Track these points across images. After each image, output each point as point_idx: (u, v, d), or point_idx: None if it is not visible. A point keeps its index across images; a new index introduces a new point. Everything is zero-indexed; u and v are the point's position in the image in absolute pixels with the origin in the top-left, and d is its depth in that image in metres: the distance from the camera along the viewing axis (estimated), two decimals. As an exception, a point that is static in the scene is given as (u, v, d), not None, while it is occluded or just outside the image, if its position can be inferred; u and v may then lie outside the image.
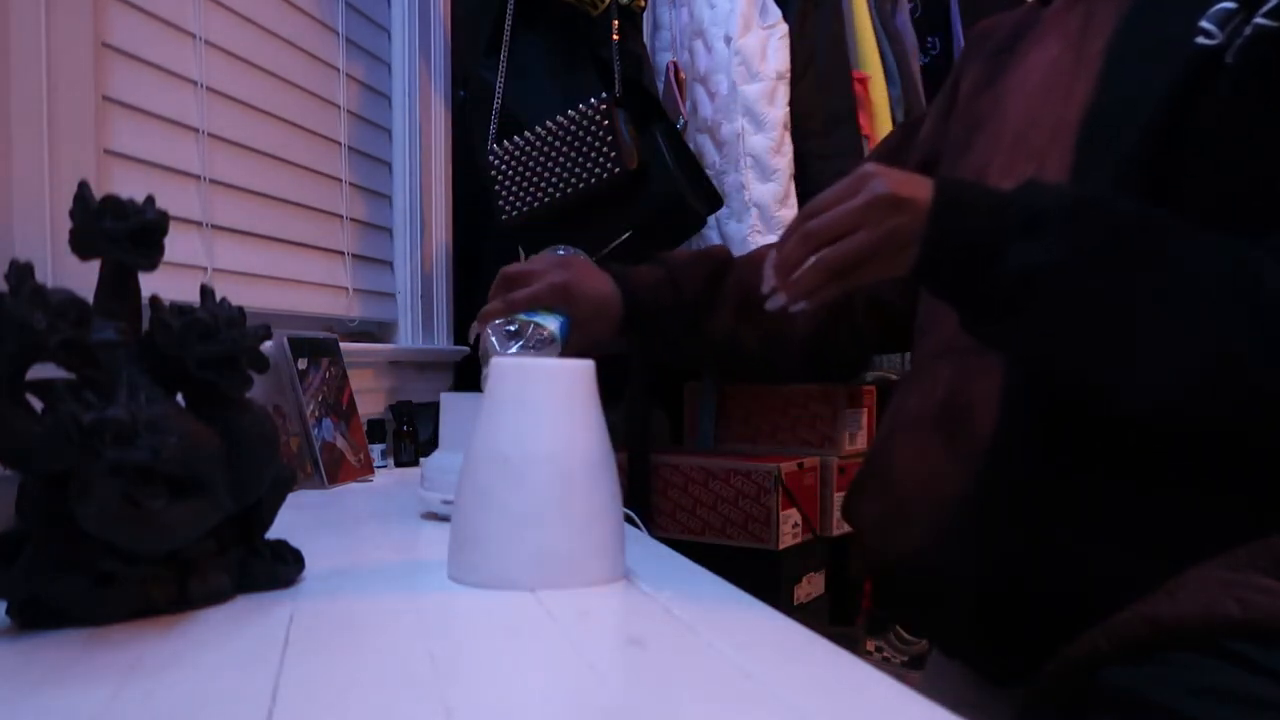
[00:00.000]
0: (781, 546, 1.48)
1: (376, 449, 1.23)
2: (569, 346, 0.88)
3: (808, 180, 1.65)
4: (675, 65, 1.73)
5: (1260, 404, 0.55)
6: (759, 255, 0.93)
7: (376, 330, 1.54)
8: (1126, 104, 0.61)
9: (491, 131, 1.47)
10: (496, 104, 1.47)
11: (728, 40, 1.62)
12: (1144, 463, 0.60)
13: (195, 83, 1.11)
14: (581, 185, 1.39)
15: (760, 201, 1.59)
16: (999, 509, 0.65)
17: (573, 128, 1.38)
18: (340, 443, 1.09)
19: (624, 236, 1.42)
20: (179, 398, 0.55)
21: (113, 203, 0.53)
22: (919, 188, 0.59)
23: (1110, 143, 0.62)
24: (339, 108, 1.41)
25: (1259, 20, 0.56)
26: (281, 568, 0.57)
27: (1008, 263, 0.56)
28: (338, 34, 1.41)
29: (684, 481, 1.55)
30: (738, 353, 0.95)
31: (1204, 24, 0.58)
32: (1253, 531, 0.56)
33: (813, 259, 0.61)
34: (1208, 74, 0.57)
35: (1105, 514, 0.61)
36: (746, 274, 0.92)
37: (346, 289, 1.42)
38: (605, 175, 1.37)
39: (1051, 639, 0.61)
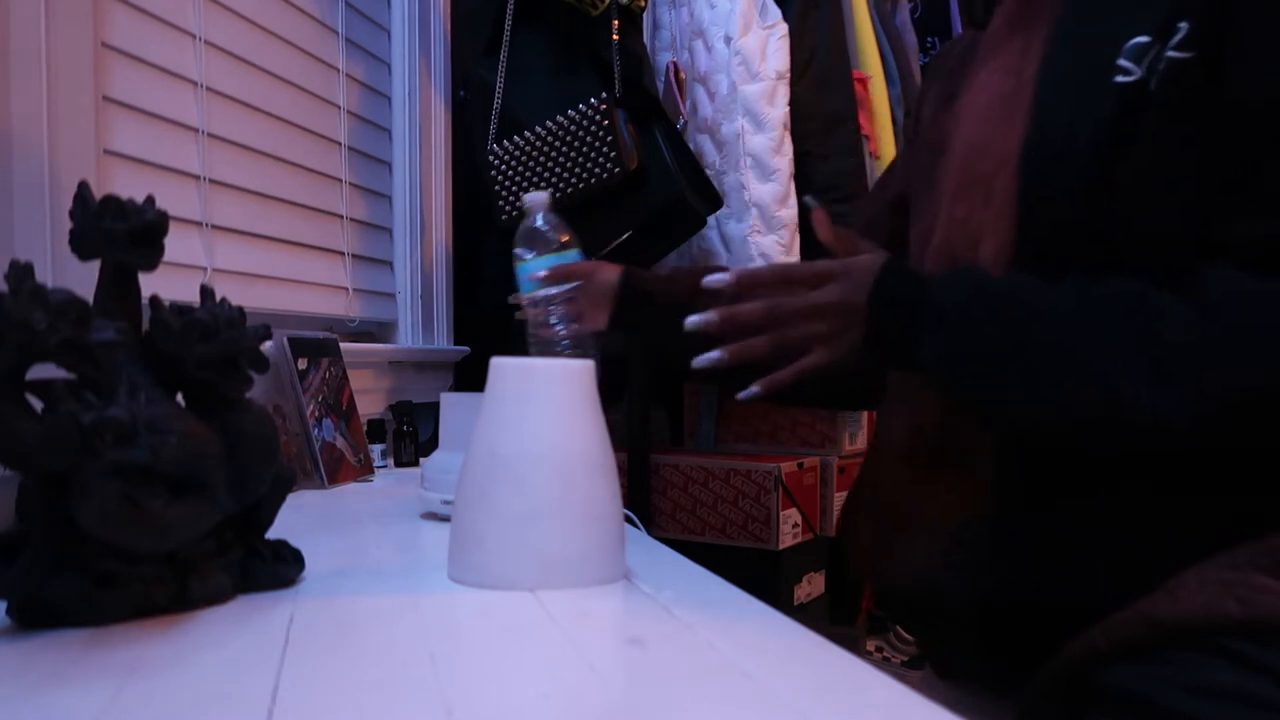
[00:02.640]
0: (781, 546, 1.48)
1: (376, 449, 1.23)
2: (574, 338, 0.93)
3: (808, 180, 1.66)
4: (675, 65, 1.73)
5: (1155, 438, 0.58)
6: None
7: (376, 330, 1.54)
8: (1062, 136, 0.63)
9: (491, 131, 1.47)
10: (496, 104, 1.47)
11: (728, 40, 1.62)
12: (1143, 480, 0.60)
13: (195, 83, 1.11)
14: (581, 185, 1.39)
15: (760, 201, 1.59)
16: (998, 537, 0.65)
17: (572, 128, 1.38)
18: (340, 443, 1.09)
19: (624, 236, 1.42)
20: (179, 398, 0.55)
21: (113, 203, 0.53)
22: (862, 289, 0.67)
23: (1050, 175, 0.64)
24: (339, 108, 1.42)
25: (1170, 54, 0.58)
26: (281, 568, 0.57)
27: (921, 353, 0.64)
28: (338, 34, 1.41)
29: (684, 481, 1.55)
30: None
31: (1121, 61, 0.60)
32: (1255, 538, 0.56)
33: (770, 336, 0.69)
34: (1135, 107, 0.60)
35: (1105, 536, 0.61)
36: None
37: (346, 289, 1.42)
38: (605, 175, 1.37)
39: (1035, 652, 0.61)
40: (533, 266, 0.99)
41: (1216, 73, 0.58)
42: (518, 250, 1.01)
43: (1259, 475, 0.58)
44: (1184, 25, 0.58)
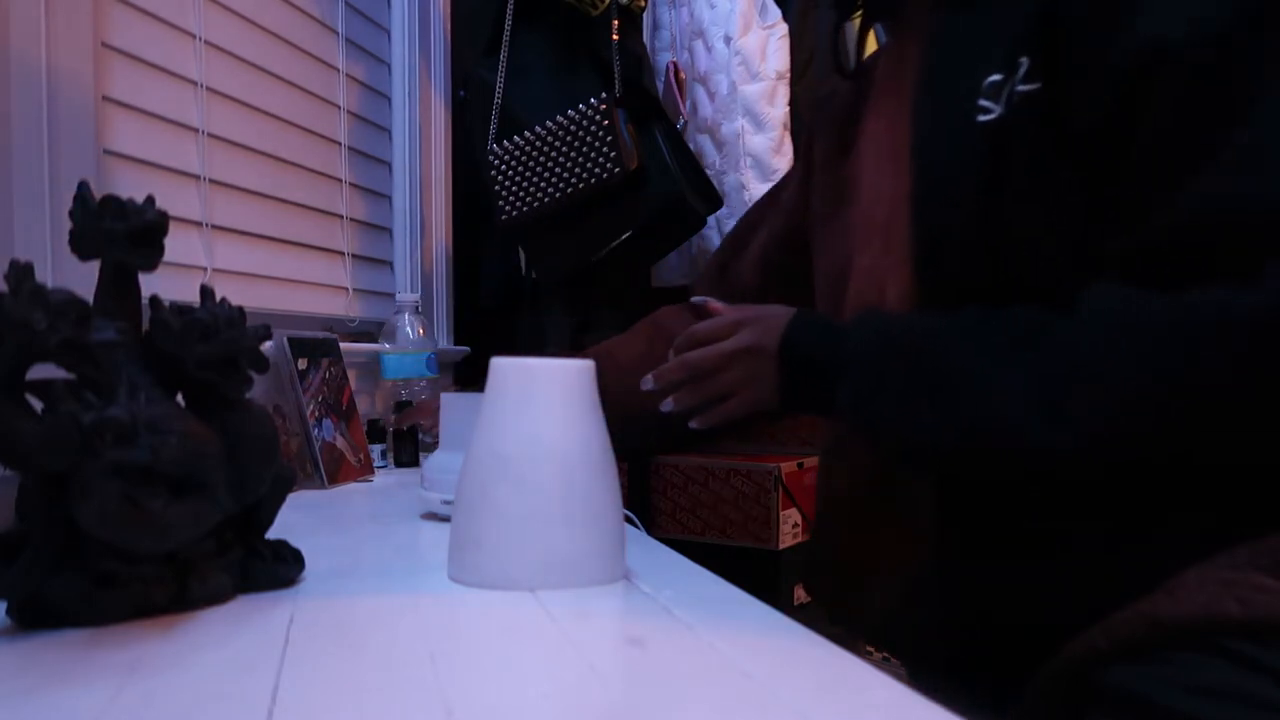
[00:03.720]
0: (781, 546, 1.48)
1: (376, 449, 1.23)
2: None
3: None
4: (675, 65, 1.73)
5: (1061, 462, 0.59)
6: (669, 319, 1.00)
7: (376, 330, 1.54)
8: (941, 179, 0.66)
9: (491, 131, 1.47)
10: (496, 104, 1.47)
11: (728, 40, 1.62)
12: (1078, 516, 0.62)
13: (195, 83, 1.11)
14: (581, 185, 1.39)
15: (760, 201, 1.59)
16: (946, 583, 0.67)
17: (572, 128, 1.38)
18: (340, 443, 1.09)
19: (624, 236, 1.42)
20: (179, 398, 0.55)
21: (113, 203, 0.53)
22: (773, 334, 0.71)
23: (937, 217, 0.66)
24: (339, 108, 1.41)
25: (1020, 88, 0.61)
26: (282, 568, 0.57)
27: (834, 398, 0.68)
28: (338, 34, 1.41)
29: (684, 481, 1.55)
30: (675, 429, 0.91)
31: (981, 101, 0.63)
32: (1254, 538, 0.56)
33: (690, 388, 0.75)
34: (997, 145, 0.62)
35: (1047, 567, 0.62)
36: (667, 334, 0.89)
37: (346, 289, 1.42)
38: (605, 175, 1.37)
39: (1016, 656, 0.62)
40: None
41: (1063, 101, 0.59)
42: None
43: (1236, 509, 0.58)
44: (1024, 60, 0.61)
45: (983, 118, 0.62)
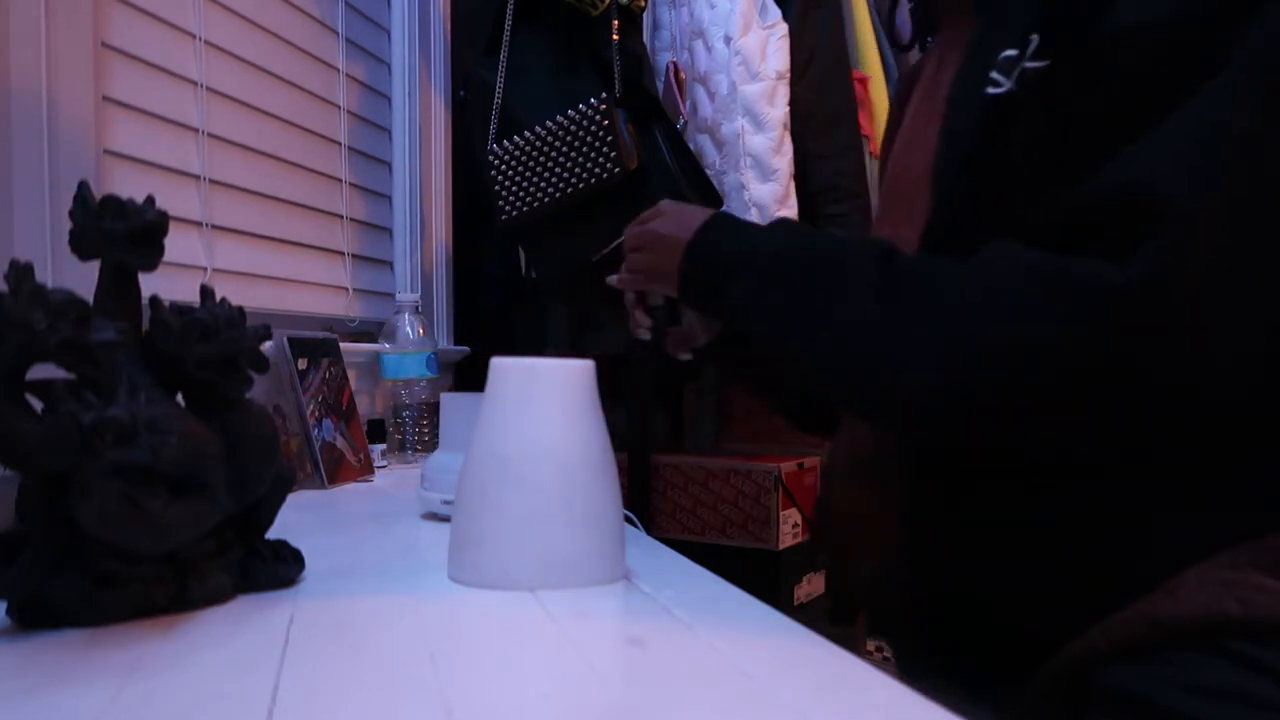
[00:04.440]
0: (781, 546, 1.48)
1: (376, 449, 1.23)
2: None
3: (808, 180, 1.65)
4: (675, 65, 1.73)
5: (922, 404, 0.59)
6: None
7: (376, 330, 1.54)
8: (954, 155, 0.66)
9: (491, 131, 1.47)
10: (496, 104, 1.47)
11: (728, 40, 1.62)
12: (1053, 478, 0.61)
13: (195, 83, 1.11)
14: (581, 185, 1.39)
15: (760, 201, 1.59)
16: (926, 541, 0.67)
17: (572, 127, 1.38)
18: (340, 443, 1.09)
19: (624, 236, 1.42)
20: (179, 398, 0.55)
21: (113, 203, 0.53)
22: (688, 227, 0.74)
23: (949, 190, 0.66)
24: (339, 108, 1.41)
25: (1028, 64, 0.61)
26: (282, 568, 0.57)
27: (726, 300, 0.70)
28: (338, 34, 1.41)
29: (684, 481, 1.55)
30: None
31: (993, 74, 0.63)
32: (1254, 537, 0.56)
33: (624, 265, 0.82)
34: (1002, 119, 0.62)
35: (1018, 532, 0.62)
36: None
37: (346, 289, 1.42)
38: (605, 175, 1.37)
39: (1014, 656, 0.62)
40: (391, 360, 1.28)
41: (1064, 82, 0.59)
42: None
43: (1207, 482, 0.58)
44: (1034, 37, 0.61)
45: (991, 90, 0.62)
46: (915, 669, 0.76)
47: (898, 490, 0.69)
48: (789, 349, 0.66)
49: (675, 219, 0.76)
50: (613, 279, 0.85)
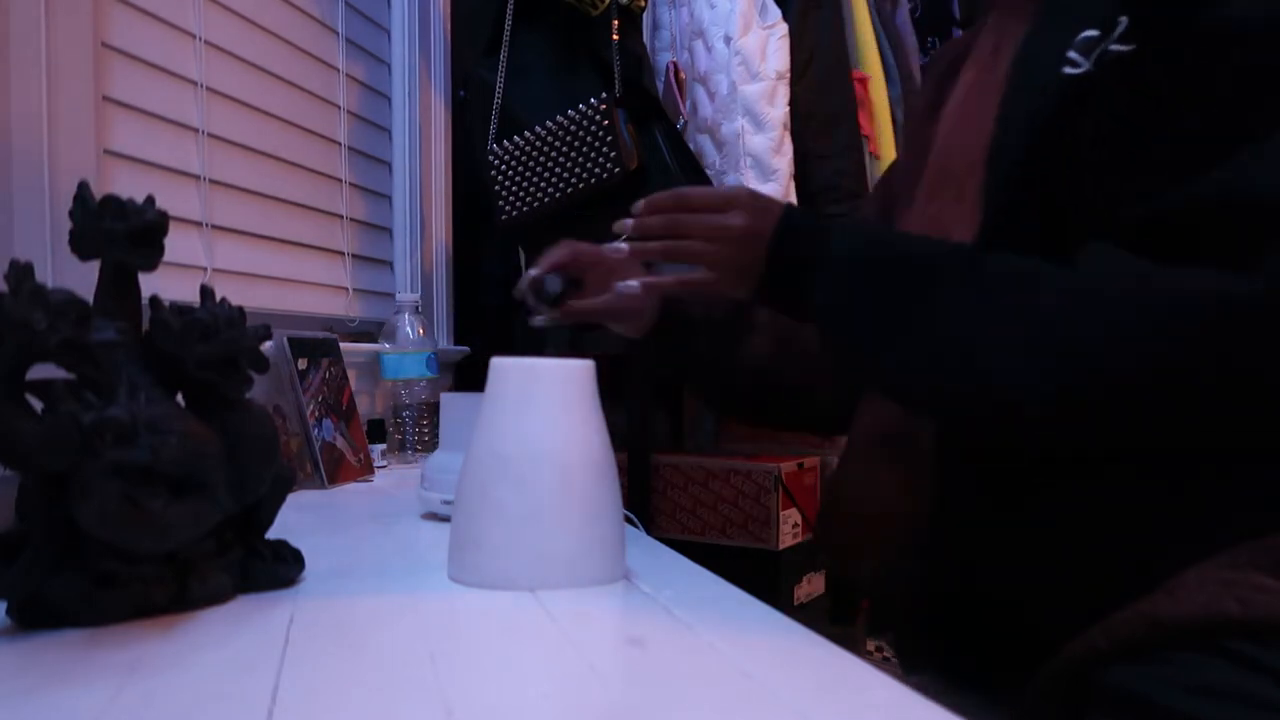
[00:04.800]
0: (781, 546, 1.48)
1: (376, 449, 1.24)
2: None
3: (808, 180, 1.65)
4: (675, 65, 1.73)
5: (1006, 410, 0.59)
6: None
7: (376, 330, 1.54)
8: (1018, 133, 0.65)
9: (491, 131, 1.47)
10: (496, 104, 1.47)
11: (728, 40, 1.62)
12: (1077, 477, 0.61)
13: (195, 83, 1.11)
14: (581, 185, 1.39)
15: (760, 201, 1.59)
16: (948, 531, 0.66)
17: (572, 127, 1.38)
18: (340, 443, 1.09)
19: (624, 237, 1.42)
20: (179, 398, 0.55)
21: (113, 203, 0.53)
22: (768, 221, 0.69)
23: (1010, 170, 0.65)
24: (339, 108, 1.41)
25: (1113, 47, 0.59)
26: (281, 568, 0.57)
27: (812, 297, 0.67)
28: (338, 34, 1.41)
29: (684, 481, 1.55)
30: (774, 387, 0.92)
31: (1070, 54, 0.61)
32: (1242, 534, 0.56)
33: (666, 245, 0.73)
34: (1079, 100, 0.61)
35: (1051, 528, 0.61)
36: None
37: (346, 289, 1.42)
38: (605, 175, 1.37)
39: (1014, 656, 0.62)
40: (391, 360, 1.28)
41: (1150, 68, 0.58)
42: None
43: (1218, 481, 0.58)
44: (1123, 20, 0.59)
45: (1068, 70, 0.61)
46: (916, 668, 0.76)
47: (923, 473, 0.68)
48: (876, 351, 0.64)
49: (752, 211, 0.70)
50: (651, 280, 0.78)
